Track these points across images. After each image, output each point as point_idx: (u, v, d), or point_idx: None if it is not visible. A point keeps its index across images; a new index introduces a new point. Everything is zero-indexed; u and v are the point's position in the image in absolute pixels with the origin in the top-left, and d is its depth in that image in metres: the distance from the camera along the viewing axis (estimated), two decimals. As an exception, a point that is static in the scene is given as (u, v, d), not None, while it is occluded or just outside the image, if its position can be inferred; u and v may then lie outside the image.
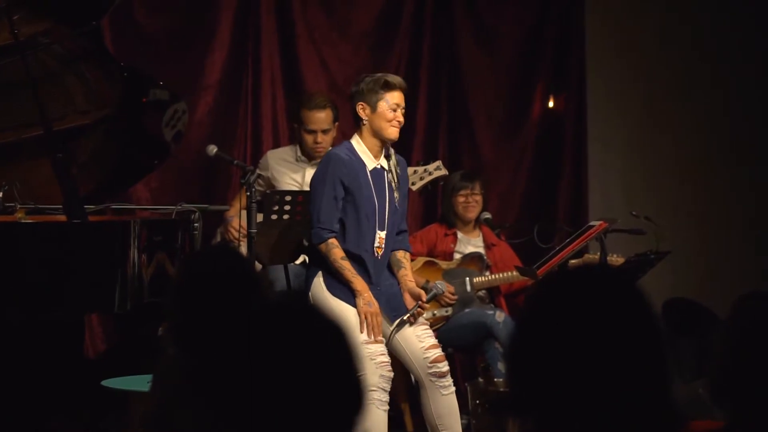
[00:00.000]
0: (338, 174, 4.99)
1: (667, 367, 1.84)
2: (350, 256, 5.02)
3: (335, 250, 4.98)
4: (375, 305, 4.96)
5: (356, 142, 5.09)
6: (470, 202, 6.43)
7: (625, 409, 1.80)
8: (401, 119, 5.06)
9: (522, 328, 1.89)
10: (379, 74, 5.11)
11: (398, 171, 5.15)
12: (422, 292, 5.09)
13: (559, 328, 1.83)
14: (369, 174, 5.05)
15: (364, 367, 5.23)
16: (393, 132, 5.05)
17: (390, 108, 5.01)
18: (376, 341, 4.92)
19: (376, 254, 5.07)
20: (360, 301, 4.94)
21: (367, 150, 5.06)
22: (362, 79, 5.10)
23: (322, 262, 5.05)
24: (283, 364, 1.79)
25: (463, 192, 6.42)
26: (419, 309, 5.07)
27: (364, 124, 5.04)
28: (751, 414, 2.26)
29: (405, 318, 5.05)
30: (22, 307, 4.72)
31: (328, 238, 4.99)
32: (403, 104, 5.07)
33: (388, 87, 5.03)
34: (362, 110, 5.03)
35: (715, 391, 2.30)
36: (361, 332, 4.91)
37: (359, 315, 4.93)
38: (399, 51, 7.27)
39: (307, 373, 1.79)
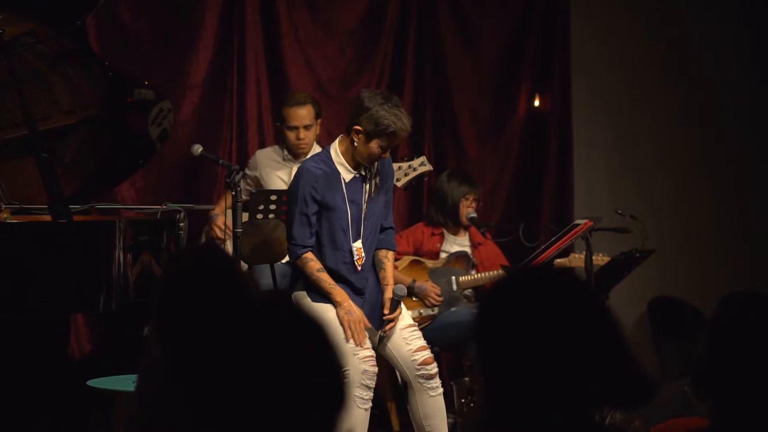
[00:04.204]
0: (308, 190, 4.96)
1: (620, 344, 1.94)
2: (330, 272, 5.03)
3: (311, 263, 5.00)
4: (356, 313, 4.96)
5: (335, 152, 5.03)
6: (473, 205, 6.45)
7: (593, 388, 1.90)
8: (386, 157, 5.04)
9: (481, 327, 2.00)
10: (393, 114, 4.89)
11: (379, 175, 5.13)
12: (387, 302, 5.09)
13: (513, 326, 1.94)
14: (344, 185, 5.02)
15: (347, 364, 5.18)
16: (369, 164, 5.04)
17: (381, 148, 4.96)
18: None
19: (357, 266, 5.07)
20: (340, 312, 4.95)
21: (345, 162, 5.02)
22: (378, 101, 4.92)
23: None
24: (265, 362, 1.79)
25: (469, 196, 6.44)
26: (389, 319, 5.09)
27: (353, 142, 4.98)
28: (733, 411, 2.27)
29: (382, 334, 5.07)
30: (6, 307, 4.71)
31: (302, 254, 5.01)
32: (396, 144, 5.07)
33: (391, 137, 4.93)
34: (356, 134, 4.93)
35: (698, 389, 2.32)
36: (347, 341, 4.91)
37: (342, 325, 4.93)
38: (384, 50, 7.27)
39: (289, 372, 1.79)
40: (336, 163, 5.02)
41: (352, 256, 5.04)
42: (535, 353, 1.89)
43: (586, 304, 1.95)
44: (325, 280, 4.99)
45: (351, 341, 4.90)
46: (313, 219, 4.99)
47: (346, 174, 5.02)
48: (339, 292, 4.98)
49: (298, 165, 6.02)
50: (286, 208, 5.50)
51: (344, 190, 5.00)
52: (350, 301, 4.99)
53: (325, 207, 4.99)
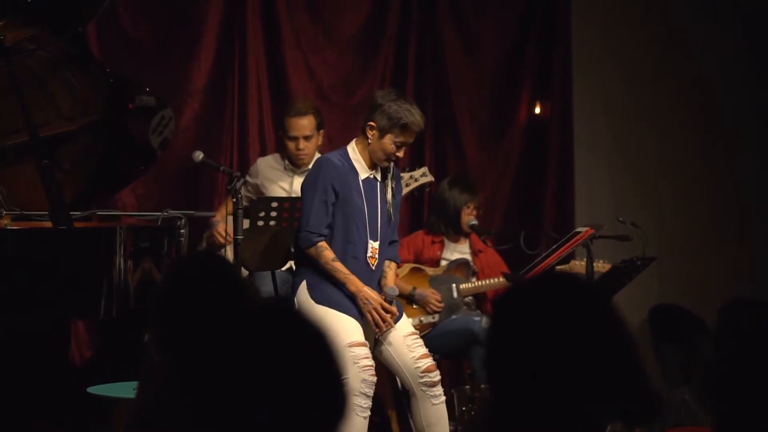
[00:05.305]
0: (329, 178, 5.00)
1: (631, 353, 1.92)
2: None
3: (325, 252, 5.00)
4: (373, 298, 4.98)
5: (352, 150, 5.10)
6: (474, 213, 6.45)
7: (602, 398, 1.88)
8: (400, 156, 5.09)
9: (493, 336, 1.97)
10: (405, 109, 5.01)
11: (393, 184, 5.17)
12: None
13: (526, 333, 1.91)
14: (361, 183, 5.06)
15: (347, 371, 5.21)
16: (385, 163, 5.09)
17: (394, 144, 5.02)
18: (361, 344, 4.92)
19: (369, 264, 5.08)
20: (359, 303, 4.98)
21: (362, 160, 5.07)
22: (390, 98, 5.05)
23: (307, 270, 5.06)
24: (266, 368, 1.79)
25: (470, 204, 6.44)
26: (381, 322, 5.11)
27: (367, 140, 5.04)
28: (736, 420, 2.26)
29: (377, 336, 5.08)
30: (7, 313, 4.71)
31: (318, 242, 5.00)
32: (411, 141, 5.10)
33: (404, 129, 5.01)
34: (370, 130, 5.03)
35: (705, 396, 2.32)
36: (379, 335, 4.98)
37: (368, 316, 4.98)
38: (385, 56, 7.27)
39: (289, 378, 1.79)
40: (353, 160, 5.07)
41: (365, 252, 5.06)
42: (547, 361, 1.87)
43: (600, 312, 1.93)
44: (340, 270, 4.99)
45: (349, 336, 4.90)
46: (331, 209, 5.01)
47: (362, 172, 5.08)
48: (353, 281, 5.00)
49: (299, 175, 6.04)
50: (287, 215, 5.51)
51: (360, 187, 5.04)
52: (365, 289, 5.01)
53: (341, 198, 5.01)
